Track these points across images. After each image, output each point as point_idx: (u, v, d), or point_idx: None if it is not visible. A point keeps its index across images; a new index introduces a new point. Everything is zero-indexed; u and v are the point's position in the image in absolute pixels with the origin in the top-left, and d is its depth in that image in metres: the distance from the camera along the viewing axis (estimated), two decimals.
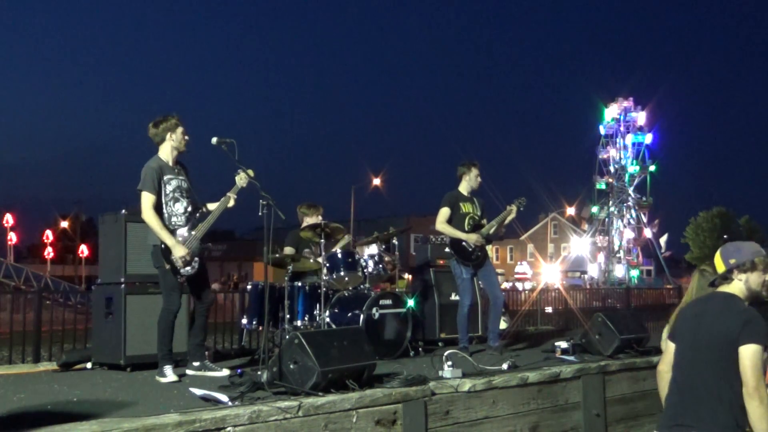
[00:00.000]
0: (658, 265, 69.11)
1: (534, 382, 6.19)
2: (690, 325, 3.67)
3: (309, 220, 7.96)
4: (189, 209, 5.93)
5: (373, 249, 7.87)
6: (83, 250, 50.70)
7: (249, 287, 7.66)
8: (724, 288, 3.67)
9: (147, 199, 5.73)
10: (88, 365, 6.79)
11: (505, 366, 6.27)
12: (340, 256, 7.52)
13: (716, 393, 3.44)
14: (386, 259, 7.96)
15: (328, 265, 7.42)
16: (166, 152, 5.91)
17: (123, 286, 6.54)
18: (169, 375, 5.71)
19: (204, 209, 6.11)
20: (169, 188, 5.82)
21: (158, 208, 5.77)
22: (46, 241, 52.48)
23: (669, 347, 3.83)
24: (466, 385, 5.67)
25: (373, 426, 5.01)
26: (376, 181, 46.12)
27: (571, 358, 7.08)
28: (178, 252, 5.70)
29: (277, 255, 6.95)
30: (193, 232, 5.88)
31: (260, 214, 5.69)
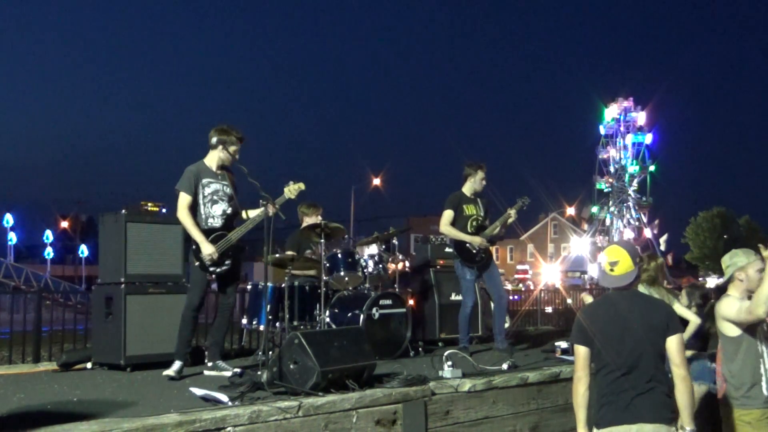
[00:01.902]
0: None
1: (534, 382, 6.19)
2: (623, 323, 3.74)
3: (309, 220, 7.96)
4: (228, 212, 6.15)
5: (373, 249, 7.87)
6: (83, 250, 50.71)
7: (249, 287, 7.66)
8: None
9: (183, 199, 6.01)
10: (88, 365, 6.79)
11: (505, 366, 6.27)
12: (340, 256, 7.52)
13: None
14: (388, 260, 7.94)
15: (328, 265, 7.42)
16: (212, 158, 6.18)
17: (123, 286, 6.53)
18: (170, 370, 5.87)
19: (245, 215, 6.32)
20: (207, 191, 6.09)
21: (194, 209, 6.03)
22: (46, 241, 52.44)
23: (581, 351, 3.81)
24: (466, 385, 5.67)
25: (373, 426, 5.01)
26: (376, 181, 46.08)
27: (571, 358, 7.05)
28: (206, 250, 5.93)
29: (278, 255, 6.95)
30: (229, 234, 6.08)
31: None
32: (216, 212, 6.11)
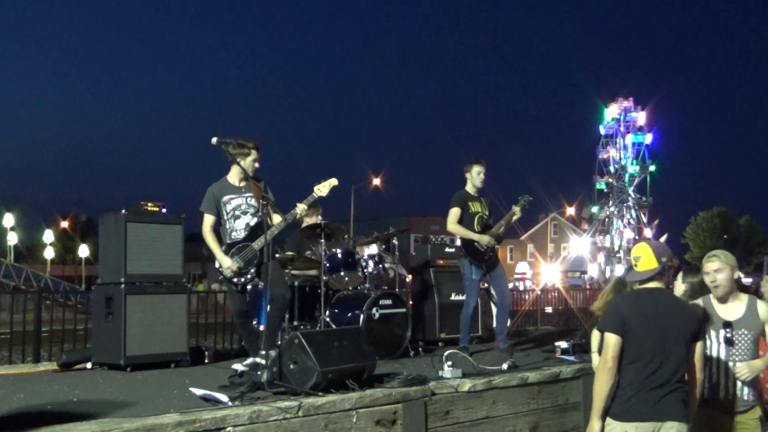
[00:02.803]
0: None
1: (534, 382, 6.19)
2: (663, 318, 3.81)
3: (309, 221, 7.95)
4: (251, 224, 6.29)
5: (373, 249, 7.86)
6: (83, 249, 50.67)
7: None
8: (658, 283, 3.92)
9: (206, 221, 6.29)
10: (88, 365, 6.79)
11: (505, 366, 6.26)
12: (340, 256, 7.52)
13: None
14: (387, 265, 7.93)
15: (328, 265, 7.41)
16: (233, 173, 6.33)
17: (123, 286, 6.53)
18: (243, 364, 6.12)
19: (270, 222, 6.37)
20: (229, 207, 6.28)
21: (220, 226, 6.32)
22: (46, 241, 52.40)
23: (614, 340, 3.76)
24: (466, 385, 5.66)
25: (373, 426, 5.01)
26: (376, 181, 46.03)
27: (571, 358, 7.08)
28: (224, 264, 6.18)
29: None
30: (252, 244, 6.22)
31: (260, 213, 6.10)
32: (239, 226, 6.28)
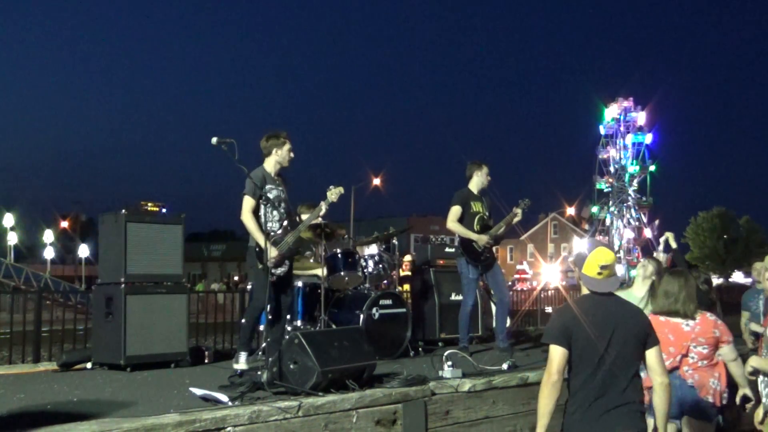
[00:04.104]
0: None
1: (534, 382, 6.18)
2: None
3: None
4: (284, 217, 6.30)
5: (373, 249, 7.86)
6: (83, 249, 50.67)
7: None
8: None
9: (248, 203, 6.16)
10: (88, 365, 6.79)
11: (505, 366, 6.27)
12: (340, 256, 7.52)
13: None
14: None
15: (328, 265, 7.41)
16: (270, 164, 6.34)
17: (123, 286, 6.53)
18: (242, 362, 5.98)
19: (298, 218, 6.51)
20: (271, 196, 6.23)
21: (256, 213, 6.19)
22: (46, 241, 52.41)
23: (559, 353, 3.55)
24: (466, 385, 5.67)
25: (373, 426, 5.01)
26: (376, 181, 46.02)
27: None
28: (271, 253, 6.05)
29: None
30: (286, 238, 6.20)
31: (260, 213, 6.09)
32: (275, 217, 6.27)
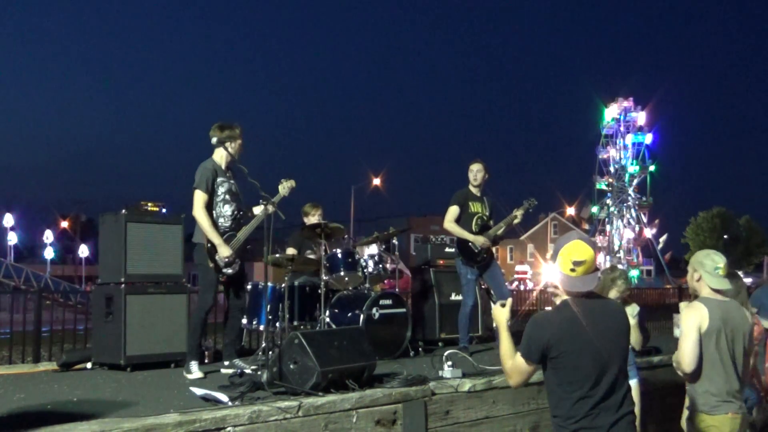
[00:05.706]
0: (658, 265, 69.09)
1: (534, 381, 6.12)
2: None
3: (309, 220, 7.96)
4: (236, 213, 6.15)
5: (373, 249, 7.85)
6: (83, 249, 50.70)
7: (249, 287, 7.65)
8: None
9: (200, 198, 5.95)
10: (88, 365, 6.79)
11: None
12: (340, 256, 7.51)
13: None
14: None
15: (328, 265, 7.41)
16: (220, 156, 6.14)
17: (123, 286, 6.53)
18: (195, 371, 5.88)
19: (249, 213, 6.31)
20: (221, 190, 6.06)
21: (208, 208, 5.98)
22: (46, 241, 52.42)
23: (528, 368, 3.39)
24: (466, 385, 5.66)
25: (373, 426, 5.01)
26: (376, 181, 46.05)
27: None
28: (224, 252, 5.93)
29: (278, 255, 6.95)
30: (238, 235, 6.07)
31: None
32: (227, 212, 6.12)
